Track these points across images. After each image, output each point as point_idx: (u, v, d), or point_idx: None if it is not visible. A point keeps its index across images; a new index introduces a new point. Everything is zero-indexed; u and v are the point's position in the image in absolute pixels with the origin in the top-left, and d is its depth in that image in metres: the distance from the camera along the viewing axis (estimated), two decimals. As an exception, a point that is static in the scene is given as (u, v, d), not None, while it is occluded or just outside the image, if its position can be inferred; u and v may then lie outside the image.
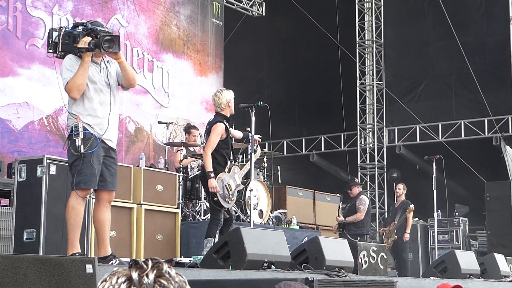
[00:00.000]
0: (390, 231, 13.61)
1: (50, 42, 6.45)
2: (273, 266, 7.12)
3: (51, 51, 6.47)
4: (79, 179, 6.18)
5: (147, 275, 1.50)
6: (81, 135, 6.11)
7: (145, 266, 1.52)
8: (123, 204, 10.36)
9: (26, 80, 13.84)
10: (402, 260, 13.73)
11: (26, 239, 7.80)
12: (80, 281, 3.94)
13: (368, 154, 20.17)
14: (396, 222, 13.53)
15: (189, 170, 11.38)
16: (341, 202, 13.77)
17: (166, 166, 12.13)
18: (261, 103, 9.18)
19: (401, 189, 14.08)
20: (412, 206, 13.58)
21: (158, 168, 11.63)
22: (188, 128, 12.37)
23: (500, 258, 11.89)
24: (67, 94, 6.25)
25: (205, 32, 18.08)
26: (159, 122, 14.16)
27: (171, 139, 14.41)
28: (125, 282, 1.50)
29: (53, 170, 7.94)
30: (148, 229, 10.33)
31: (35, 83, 13.92)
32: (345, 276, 6.85)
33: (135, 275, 1.50)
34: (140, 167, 10.94)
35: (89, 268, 3.97)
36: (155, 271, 1.51)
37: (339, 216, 13.18)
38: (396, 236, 13.45)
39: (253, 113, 9.14)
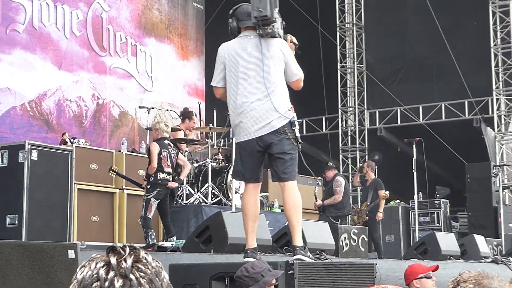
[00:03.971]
0: (361, 211, 13.56)
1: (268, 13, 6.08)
2: (254, 250, 7.17)
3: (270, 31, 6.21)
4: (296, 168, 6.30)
5: (125, 260, 1.55)
6: (298, 126, 6.24)
7: (122, 252, 1.58)
8: (105, 189, 10.42)
9: (8, 65, 13.80)
10: (374, 241, 13.55)
11: (8, 224, 7.83)
12: (62, 267, 3.99)
13: (349, 137, 20.25)
14: (368, 203, 13.46)
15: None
16: (316, 187, 13.72)
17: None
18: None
19: (364, 168, 13.90)
20: (387, 193, 13.34)
21: (140, 153, 11.66)
22: (189, 114, 12.31)
23: (480, 239, 12.02)
24: (298, 85, 6.32)
25: (186, 16, 18.06)
26: (140, 107, 14.17)
27: (154, 123, 14.41)
28: (104, 267, 1.55)
29: (35, 155, 7.97)
30: (131, 214, 10.39)
31: (16, 68, 13.88)
32: (326, 259, 6.92)
33: (113, 260, 1.55)
34: (122, 152, 10.99)
35: (71, 254, 4.02)
36: (132, 257, 1.57)
37: (316, 200, 13.19)
38: (367, 218, 13.34)
39: (237, 97, 9.16)
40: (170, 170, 9.78)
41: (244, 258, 6.04)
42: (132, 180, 10.24)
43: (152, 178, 9.60)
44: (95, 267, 1.56)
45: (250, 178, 6.24)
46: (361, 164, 14.27)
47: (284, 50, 6.25)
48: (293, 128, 6.13)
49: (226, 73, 6.24)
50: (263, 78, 6.10)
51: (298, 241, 6.08)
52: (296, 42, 6.42)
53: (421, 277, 6.42)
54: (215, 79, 6.32)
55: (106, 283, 1.53)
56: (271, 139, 6.12)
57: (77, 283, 1.56)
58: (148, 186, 9.59)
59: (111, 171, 10.08)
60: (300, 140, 6.19)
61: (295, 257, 5.86)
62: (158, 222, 10.36)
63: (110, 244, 10.10)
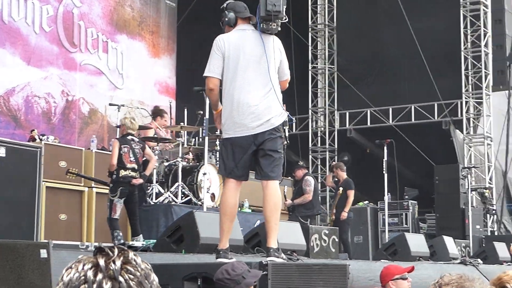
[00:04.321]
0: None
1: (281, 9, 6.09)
2: (226, 250, 7.11)
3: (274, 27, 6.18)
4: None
5: (113, 262, 1.49)
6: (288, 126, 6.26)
7: (111, 253, 1.51)
8: (74, 187, 10.29)
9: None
10: (342, 242, 13.49)
11: (-26, 222, 7.68)
12: (34, 266, 3.90)
13: (319, 138, 20.28)
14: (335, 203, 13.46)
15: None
16: (285, 187, 13.70)
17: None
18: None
19: (334, 170, 13.96)
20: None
21: (109, 151, 11.54)
22: (160, 111, 12.20)
23: (449, 241, 12.09)
24: (286, 85, 6.35)
25: (158, 14, 17.96)
26: (110, 104, 14.04)
27: (124, 121, 14.28)
28: (92, 269, 1.48)
29: (2, 152, 7.84)
30: (99, 213, 10.27)
31: (-15, 63, 13.70)
32: (298, 260, 6.89)
33: (101, 261, 1.49)
34: (91, 150, 10.87)
35: (43, 253, 3.93)
36: (121, 258, 1.50)
37: (286, 200, 13.16)
38: (334, 217, 13.32)
39: (207, 96, 9.09)
40: (134, 166, 9.41)
41: (216, 258, 5.96)
42: (94, 179, 10.08)
43: (115, 176, 9.28)
44: (83, 268, 1.49)
45: (241, 175, 6.12)
46: (332, 164, 14.29)
47: (281, 49, 6.26)
48: (284, 128, 6.08)
49: (224, 65, 6.11)
50: (267, 74, 6.05)
51: (273, 243, 6.00)
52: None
53: (397, 278, 6.41)
54: (212, 70, 6.11)
55: (94, 286, 1.46)
56: (266, 135, 6.03)
57: (64, 285, 1.49)
58: (111, 185, 9.35)
59: (69, 174, 9.75)
60: (288, 140, 6.12)
61: (269, 258, 5.80)
62: (127, 222, 10.24)
63: (78, 243, 9.99)
